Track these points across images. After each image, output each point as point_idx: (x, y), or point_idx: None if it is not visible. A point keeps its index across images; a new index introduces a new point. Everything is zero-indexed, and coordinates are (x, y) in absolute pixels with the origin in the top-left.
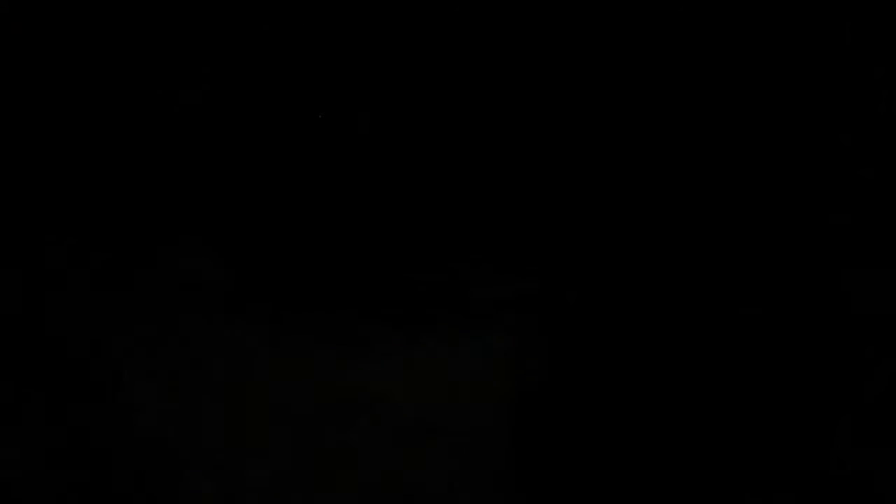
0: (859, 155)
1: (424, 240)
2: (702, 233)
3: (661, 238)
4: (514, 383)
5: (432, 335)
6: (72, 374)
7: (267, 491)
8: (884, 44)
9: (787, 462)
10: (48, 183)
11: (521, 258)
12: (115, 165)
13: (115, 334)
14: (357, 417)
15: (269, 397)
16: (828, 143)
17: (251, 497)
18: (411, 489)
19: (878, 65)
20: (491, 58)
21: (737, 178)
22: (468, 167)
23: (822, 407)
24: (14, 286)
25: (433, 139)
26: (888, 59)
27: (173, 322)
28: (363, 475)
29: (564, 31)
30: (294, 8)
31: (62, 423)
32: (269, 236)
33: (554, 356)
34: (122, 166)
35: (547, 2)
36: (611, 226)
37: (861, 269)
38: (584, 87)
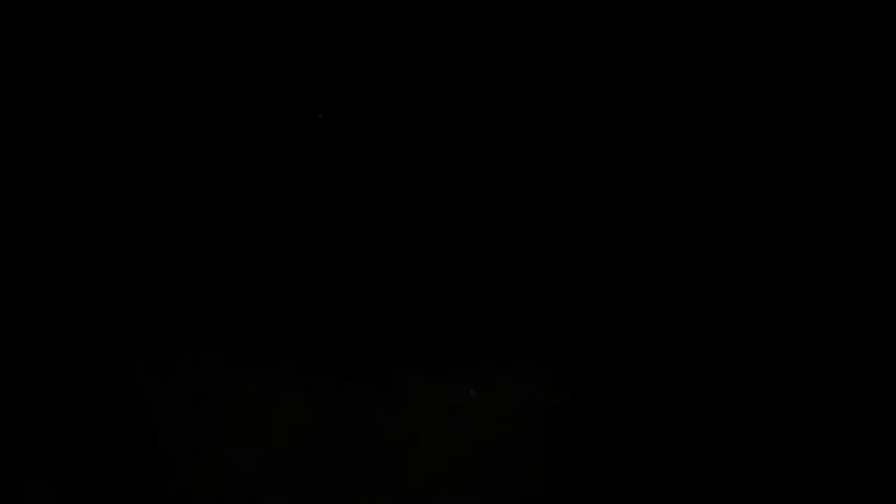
0: (859, 155)
1: (457, 257)
2: (702, 234)
3: (664, 240)
4: (546, 415)
5: (461, 374)
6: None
7: None
8: (884, 44)
9: (787, 462)
10: (53, 195)
11: (539, 271)
12: (120, 171)
13: (150, 379)
14: (388, 459)
15: (301, 441)
16: (828, 143)
17: None
18: None
19: (878, 65)
20: (500, 60)
21: (736, 178)
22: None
23: (822, 407)
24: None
25: (444, 146)
26: (888, 59)
27: (208, 367)
28: None
29: (581, 50)
30: (293, 8)
31: (99, 460)
32: (282, 246)
33: (580, 379)
34: (129, 172)
35: (564, 23)
36: (617, 230)
37: (861, 270)
38: (582, 95)
